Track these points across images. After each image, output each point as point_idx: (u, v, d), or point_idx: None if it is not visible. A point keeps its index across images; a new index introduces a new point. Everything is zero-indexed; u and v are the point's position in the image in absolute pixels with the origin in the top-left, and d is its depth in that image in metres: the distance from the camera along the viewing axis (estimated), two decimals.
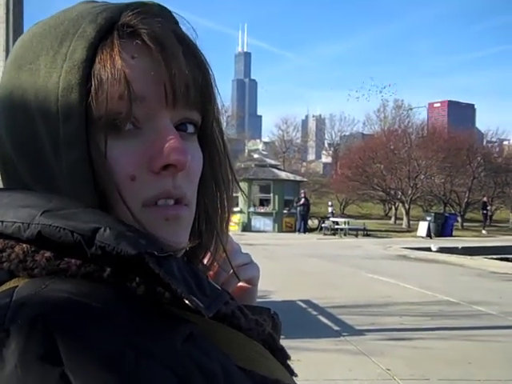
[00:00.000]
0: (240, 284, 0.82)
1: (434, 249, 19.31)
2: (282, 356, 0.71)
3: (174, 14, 0.68)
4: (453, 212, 35.49)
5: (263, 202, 30.12)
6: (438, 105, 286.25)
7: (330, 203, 38.36)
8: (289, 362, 0.73)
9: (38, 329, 0.47)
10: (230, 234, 0.79)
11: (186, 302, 0.57)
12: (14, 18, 6.50)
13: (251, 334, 0.66)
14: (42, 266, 0.56)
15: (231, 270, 0.79)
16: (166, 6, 0.68)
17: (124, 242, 0.54)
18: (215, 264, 0.77)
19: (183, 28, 0.67)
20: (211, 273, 0.78)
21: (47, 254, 0.56)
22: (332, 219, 30.01)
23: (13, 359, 0.45)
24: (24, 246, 0.57)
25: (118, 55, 0.59)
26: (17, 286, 0.55)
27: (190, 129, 0.67)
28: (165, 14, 0.67)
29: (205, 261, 0.76)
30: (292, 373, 0.72)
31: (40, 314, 0.48)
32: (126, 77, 0.59)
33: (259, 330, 0.68)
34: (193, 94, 0.64)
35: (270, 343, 0.70)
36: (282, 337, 0.80)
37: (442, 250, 19.09)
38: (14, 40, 6.43)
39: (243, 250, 0.84)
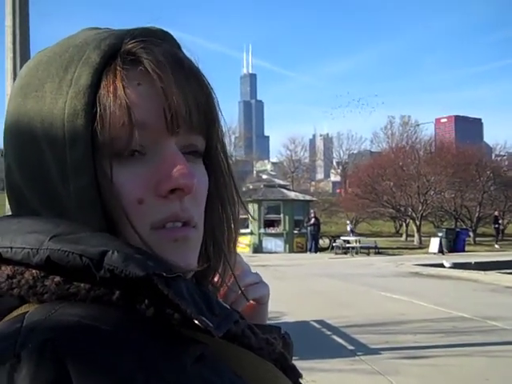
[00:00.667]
0: (250, 303, 0.82)
1: (447, 265, 19.07)
2: (294, 375, 0.71)
3: (177, 39, 0.70)
4: (464, 227, 35.14)
5: (273, 223, 30.00)
6: (445, 120, 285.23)
7: (348, 221, 38.14)
8: (302, 382, 0.73)
9: (48, 354, 0.48)
10: (241, 254, 0.80)
11: (196, 322, 0.57)
12: (21, 46, 6.57)
13: (262, 354, 0.66)
14: (52, 291, 0.57)
15: (239, 291, 0.79)
16: (168, 30, 0.69)
17: (132, 264, 0.55)
18: (224, 284, 0.77)
19: (186, 52, 0.69)
20: (221, 293, 0.78)
21: (56, 278, 0.57)
22: (350, 238, 29.72)
23: None
24: (33, 271, 0.57)
25: (120, 82, 0.61)
26: (27, 312, 0.55)
27: (195, 152, 0.68)
28: (167, 39, 0.68)
29: (214, 281, 0.77)
30: None
31: (50, 339, 0.49)
32: (127, 104, 0.60)
33: (270, 349, 0.68)
34: (196, 119, 0.65)
35: (282, 362, 0.69)
36: (295, 357, 0.79)
37: (454, 266, 18.90)
38: (21, 67, 6.51)
39: (254, 271, 0.84)
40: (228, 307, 0.66)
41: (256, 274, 0.84)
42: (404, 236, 39.84)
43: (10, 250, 0.58)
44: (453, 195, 37.01)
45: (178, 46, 0.69)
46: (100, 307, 0.56)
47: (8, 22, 6.60)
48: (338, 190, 67.57)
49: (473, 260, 20.71)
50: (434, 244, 27.35)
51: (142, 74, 0.62)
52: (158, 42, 0.66)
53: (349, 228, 35.28)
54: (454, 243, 27.85)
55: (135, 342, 0.53)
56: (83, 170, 0.61)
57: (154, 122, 0.62)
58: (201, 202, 0.68)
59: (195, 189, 0.64)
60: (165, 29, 0.69)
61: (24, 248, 0.57)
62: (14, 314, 0.58)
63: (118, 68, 0.62)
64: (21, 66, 6.42)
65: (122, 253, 0.56)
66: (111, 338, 0.52)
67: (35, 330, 0.51)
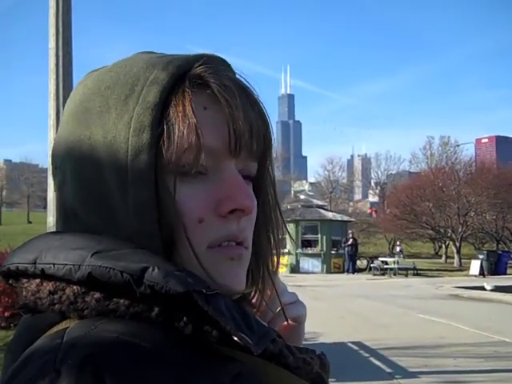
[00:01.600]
0: (286, 323, 0.82)
1: (488, 288, 18.70)
2: None
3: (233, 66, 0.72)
4: (506, 249, 34.46)
5: (311, 243, 29.84)
6: (486, 140, 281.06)
7: (398, 242, 37.67)
8: None
9: (87, 369, 0.49)
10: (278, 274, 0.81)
11: (235, 338, 0.58)
12: (64, 68, 6.70)
13: (299, 373, 0.66)
14: (92, 307, 0.58)
15: (277, 309, 0.79)
16: (225, 58, 0.72)
17: (173, 280, 0.56)
18: (263, 304, 0.78)
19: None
20: (258, 312, 0.78)
21: (97, 295, 0.58)
22: (392, 259, 29.28)
23: None
24: (74, 287, 0.59)
25: (189, 104, 0.63)
26: (67, 328, 0.56)
27: (249, 176, 0.70)
28: (226, 66, 0.71)
29: (253, 300, 0.78)
30: None
31: (90, 355, 0.50)
32: (196, 125, 0.62)
33: (307, 368, 0.68)
34: (255, 145, 0.67)
35: (319, 383, 0.70)
36: (333, 379, 0.81)
37: (496, 289, 18.49)
38: (64, 89, 6.63)
39: (291, 291, 0.84)
40: (266, 325, 0.66)
41: (293, 293, 0.84)
42: (443, 258, 39.19)
43: (52, 266, 0.59)
44: (494, 217, 36.33)
45: (234, 73, 0.71)
46: (139, 324, 0.56)
47: (51, 44, 6.75)
48: (369, 211, 66.42)
49: None
50: (475, 266, 26.82)
51: (209, 98, 0.64)
52: (223, 68, 0.69)
53: (398, 249, 34.74)
54: (495, 266, 27.27)
55: (174, 359, 0.54)
56: (145, 182, 0.61)
57: (219, 145, 0.64)
58: (253, 224, 0.70)
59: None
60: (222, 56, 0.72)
61: (66, 264, 0.58)
62: (55, 329, 0.59)
63: (187, 89, 0.64)
64: (63, 88, 6.58)
65: (163, 269, 0.56)
66: (150, 355, 0.52)
67: (75, 346, 0.52)
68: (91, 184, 0.65)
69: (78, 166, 0.66)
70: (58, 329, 0.58)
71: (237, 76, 0.70)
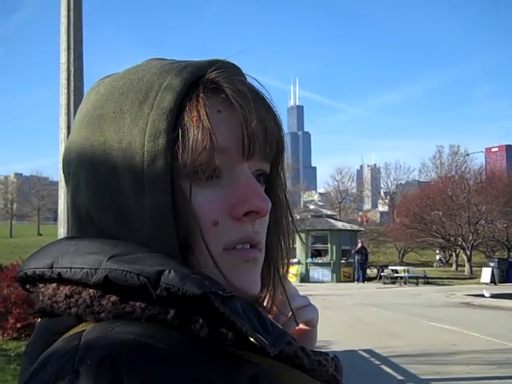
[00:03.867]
0: (299, 327, 0.82)
1: (487, 295, 18.74)
2: None
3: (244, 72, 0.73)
4: None
5: (321, 253, 29.77)
6: (496, 149, 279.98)
7: (437, 251, 37.37)
8: None
9: (105, 369, 0.49)
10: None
11: (251, 339, 0.58)
12: (75, 83, 6.75)
13: (315, 375, 0.66)
14: (108, 310, 0.58)
15: (290, 313, 0.80)
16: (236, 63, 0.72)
17: (189, 282, 0.56)
18: (274, 308, 0.78)
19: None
20: (270, 316, 0.78)
21: (113, 298, 0.58)
22: (399, 268, 29.16)
23: None
24: (91, 291, 0.59)
25: (203, 108, 0.63)
26: (84, 330, 0.57)
27: (261, 179, 0.71)
28: (238, 72, 0.71)
29: (263, 304, 0.78)
30: None
31: (108, 355, 0.50)
32: (210, 129, 0.63)
33: (322, 370, 0.67)
34: (269, 148, 0.68)
35: None
36: None
37: (494, 296, 18.58)
38: (75, 103, 6.67)
39: (303, 295, 0.84)
40: (281, 327, 0.66)
41: (305, 297, 0.84)
42: (454, 266, 38.99)
43: (69, 270, 0.60)
44: (505, 225, 36.15)
45: (245, 78, 0.72)
46: (155, 326, 0.57)
47: (62, 59, 6.81)
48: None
49: None
50: (486, 274, 26.63)
51: (223, 102, 0.65)
52: (237, 73, 0.70)
53: (438, 257, 34.36)
54: (506, 273, 27.07)
55: (190, 360, 0.54)
56: (161, 187, 0.62)
57: (233, 148, 0.65)
58: (266, 227, 0.70)
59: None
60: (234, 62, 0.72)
61: (83, 268, 0.59)
62: (72, 332, 0.60)
63: (201, 94, 0.64)
64: (74, 102, 6.62)
65: (179, 272, 0.57)
66: (167, 356, 0.53)
67: (93, 347, 0.52)
68: (106, 189, 0.65)
69: (92, 171, 0.66)
70: (75, 331, 0.59)
71: (249, 81, 0.71)
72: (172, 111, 0.63)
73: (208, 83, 0.65)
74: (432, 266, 39.52)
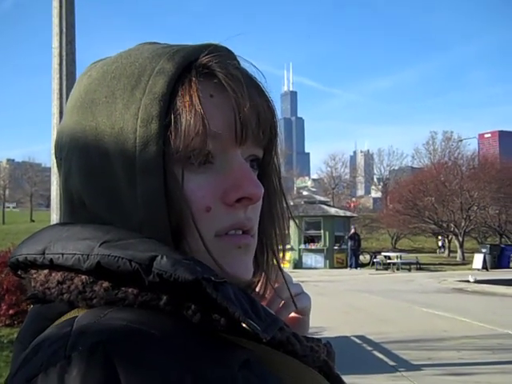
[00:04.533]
0: (292, 315, 0.82)
1: (471, 280, 19.08)
2: (338, 383, 0.72)
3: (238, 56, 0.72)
4: (509, 243, 34.45)
5: (314, 239, 29.87)
6: (489, 135, 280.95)
7: (440, 237, 37.59)
8: None
9: (98, 355, 0.49)
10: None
11: (243, 325, 0.58)
12: (67, 68, 6.72)
13: (307, 361, 0.66)
14: (101, 296, 0.58)
15: (282, 301, 0.80)
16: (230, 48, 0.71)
17: (181, 268, 0.56)
18: (267, 294, 0.78)
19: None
20: (263, 302, 0.78)
21: (105, 284, 0.58)
22: (392, 254, 29.31)
23: None
24: (83, 277, 0.59)
25: (196, 93, 0.63)
26: (76, 316, 0.57)
27: (254, 164, 0.70)
28: (231, 56, 0.70)
29: (257, 289, 0.78)
30: None
31: (100, 342, 0.50)
32: (202, 114, 0.62)
33: (314, 356, 0.68)
34: (262, 133, 0.68)
35: (326, 370, 0.70)
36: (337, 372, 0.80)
37: (479, 282, 18.84)
38: (68, 88, 6.64)
39: (296, 283, 0.84)
40: (273, 313, 0.66)
41: (298, 284, 0.84)
42: (446, 252, 39.20)
43: (61, 256, 0.59)
44: (497, 211, 36.34)
45: (239, 63, 0.71)
46: (148, 312, 0.57)
47: (54, 43, 6.77)
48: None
49: None
50: (478, 260, 26.83)
51: (216, 87, 0.65)
52: (230, 57, 0.69)
53: (440, 243, 34.61)
54: (498, 259, 27.27)
55: (182, 346, 0.54)
56: (153, 172, 0.62)
57: (225, 133, 0.64)
58: (259, 213, 0.70)
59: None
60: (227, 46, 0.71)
61: (75, 254, 0.58)
62: (64, 318, 0.60)
63: (193, 79, 0.64)
64: (67, 87, 6.60)
65: (171, 258, 0.57)
66: (159, 342, 0.53)
67: (85, 334, 0.52)
68: (98, 174, 0.65)
69: (84, 156, 0.66)
70: (67, 318, 0.59)
71: (243, 65, 0.70)
72: (164, 96, 0.62)
73: (200, 68, 0.65)
74: (425, 252, 39.65)
